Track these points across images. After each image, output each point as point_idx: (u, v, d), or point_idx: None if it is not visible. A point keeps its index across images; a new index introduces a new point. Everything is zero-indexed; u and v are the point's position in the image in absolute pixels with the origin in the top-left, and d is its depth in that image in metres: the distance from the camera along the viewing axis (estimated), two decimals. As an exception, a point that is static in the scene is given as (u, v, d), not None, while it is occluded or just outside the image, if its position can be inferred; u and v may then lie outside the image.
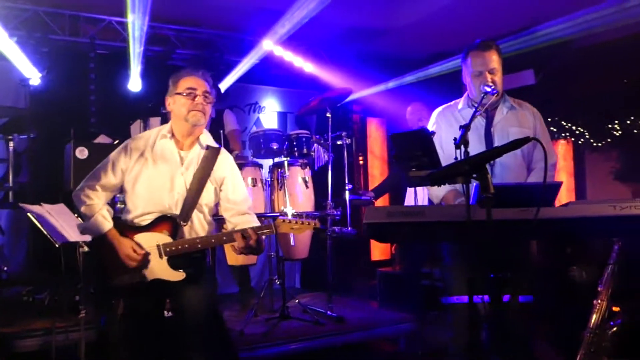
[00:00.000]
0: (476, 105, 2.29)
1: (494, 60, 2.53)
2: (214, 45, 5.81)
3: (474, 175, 1.59)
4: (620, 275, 3.20)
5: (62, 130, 4.09)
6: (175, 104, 2.44)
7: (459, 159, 1.99)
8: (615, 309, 3.24)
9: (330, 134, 4.13)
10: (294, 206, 3.88)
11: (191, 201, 2.37)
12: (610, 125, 6.58)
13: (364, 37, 6.35)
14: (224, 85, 5.37)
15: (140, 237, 2.36)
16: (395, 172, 4.75)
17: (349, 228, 4.30)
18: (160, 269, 2.34)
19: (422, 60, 7.09)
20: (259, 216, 3.86)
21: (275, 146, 3.87)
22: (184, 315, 2.38)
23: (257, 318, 3.99)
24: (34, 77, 4.57)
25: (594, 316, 3.16)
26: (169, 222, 2.36)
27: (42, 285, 3.57)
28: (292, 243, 3.73)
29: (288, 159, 3.91)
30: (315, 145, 4.02)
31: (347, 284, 5.81)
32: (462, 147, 1.98)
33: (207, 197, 2.44)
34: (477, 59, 2.53)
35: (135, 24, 4.60)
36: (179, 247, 2.33)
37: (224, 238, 2.38)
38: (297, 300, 4.15)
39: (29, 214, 2.88)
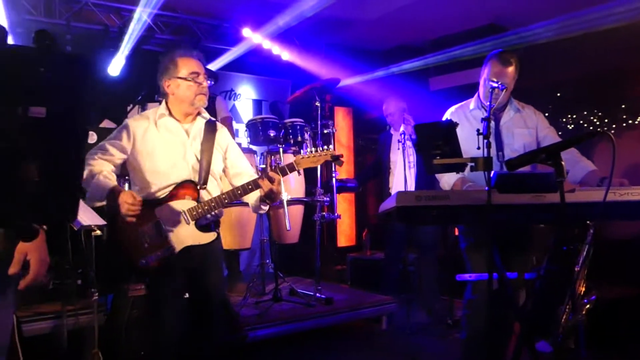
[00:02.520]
0: (486, 106, 2.48)
1: (509, 75, 2.73)
2: (192, 31, 5.77)
3: (549, 162, 1.78)
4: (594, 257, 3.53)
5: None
6: (179, 87, 2.44)
7: (481, 148, 2.17)
8: (582, 289, 3.59)
9: (319, 122, 4.26)
10: (287, 192, 3.98)
11: (205, 167, 2.43)
12: (563, 119, 7.01)
13: (333, 28, 6.48)
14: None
15: (165, 209, 2.35)
16: (375, 163, 4.92)
17: (336, 214, 4.48)
18: (189, 235, 2.36)
19: (389, 52, 7.33)
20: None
21: (272, 133, 3.95)
22: (209, 287, 2.47)
23: (249, 301, 4.09)
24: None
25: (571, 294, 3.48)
26: (190, 188, 2.39)
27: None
28: (288, 227, 3.83)
29: (283, 146, 4.00)
30: (307, 133, 4.13)
31: (313, 269, 6.00)
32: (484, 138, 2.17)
33: (217, 164, 2.52)
34: (495, 69, 2.73)
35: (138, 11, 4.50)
36: (205, 207, 2.36)
37: (250, 187, 2.40)
38: (288, 283, 4.28)
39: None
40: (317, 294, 4.20)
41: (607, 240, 4.49)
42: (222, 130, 2.59)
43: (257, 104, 6.46)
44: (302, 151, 2.56)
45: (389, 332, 4.39)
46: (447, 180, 2.69)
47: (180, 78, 2.42)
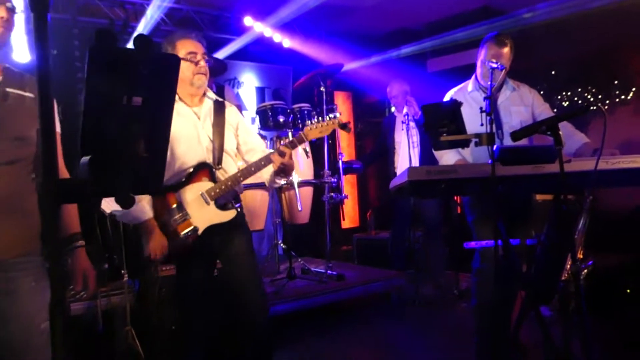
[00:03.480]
0: (484, 87, 2.65)
1: (505, 56, 2.91)
2: (194, 22, 5.90)
3: (548, 133, 1.96)
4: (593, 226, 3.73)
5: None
6: (186, 66, 2.47)
7: (485, 124, 2.36)
8: (581, 256, 3.80)
9: (324, 106, 4.43)
10: (297, 174, 4.16)
11: (219, 147, 2.49)
12: (558, 97, 7.17)
13: (333, 15, 6.61)
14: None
15: (185, 192, 2.44)
16: (380, 145, 5.10)
17: (343, 194, 4.67)
18: (210, 215, 2.45)
19: (387, 37, 7.47)
20: (262, 185, 4.16)
21: (281, 119, 4.12)
22: (237, 262, 2.53)
23: (265, 280, 4.29)
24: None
25: (570, 260, 3.69)
26: (206, 169, 2.47)
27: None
28: (299, 208, 4.02)
29: (292, 130, 4.17)
30: (314, 117, 4.30)
31: (320, 249, 6.21)
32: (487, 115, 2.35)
33: (229, 142, 2.57)
34: (491, 50, 2.90)
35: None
36: (222, 187, 2.44)
37: (262, 162, 2.46)
38: (300, 262, 4.48)
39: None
40: (329, 271, 4.40)
41: (605, 211, 4.71)
42: (230, 109, 2.63)
43: (260, 91, 6.61)
44: (308, 122, 2.62)
45: (398, 305, 4.61)
46: (446, 160, 2.87)
47: (184, 55, 2.45)
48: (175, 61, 0.95)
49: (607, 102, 6.83)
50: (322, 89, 4.42)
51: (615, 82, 6.71)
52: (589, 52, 6.47)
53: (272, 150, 2.51)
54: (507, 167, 2.36)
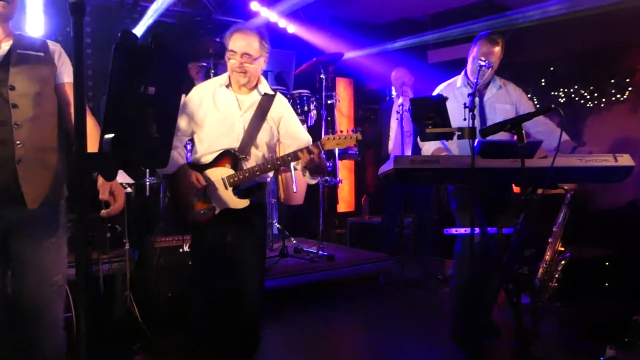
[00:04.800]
0: (472, 83, 2.82)
1: (496, 54, 3.07)
2: (202, 4, 6.02)
3: (513, 131, 2.15)
4: (570, 220, 3.93)
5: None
6: (228, 61, 2.62)
7: (467, 119, 2.54)
8: (561, 248, 4.00)
9: (324, 93, 4.59)
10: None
11: (248, 139, 2.61)
12: (555, 93, 7.31)
13: (338, 2, 6.73)
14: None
15: (209, 173, 2.62)
16: (376, 130, 5.27)
17: (338, 178, 4.86)
18: (227, 199, 2.61)
19: (390, 26, 7.59)
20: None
21: (281, 104, 4.27)
22: (245, 242, 2.68)
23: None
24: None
25: (548, 252, 3.90)
26: (230, 157, 2.62)
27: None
28: (294, 190, 4.20)
29: (291, 116, 4.33)
30: (313, 104, 4.47)
31: (314, 231, 6.40)
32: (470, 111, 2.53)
33: (263, 136, 2.65)
34: (483, 48, 3.06)
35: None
36: (240, 176, 2.59)
37: (289, 157, 2.56)
38: (293, 242, 4.68)
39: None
40: (320, 252, 4.60)
41: (586, 209, 4.90)
42: (278, 103, 2.69)
43: (263, 75, 6.72)
44: (330, 134, 2.67)
45: (385, 286, 4.82)
46: (427, 149, 3.06)
47: (227, 51, 2.60)
48: (183, 59, 1.12)
49: (604, 100, 6.98)
50: (322, 76, 4.57)
51: (612, 80, 6.85)
52: (587, 50, 6.59)
53: (304, 147, 2.58)
54: (487, 160, 2.55)
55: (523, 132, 2.19)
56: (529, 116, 2.35)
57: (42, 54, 1.88)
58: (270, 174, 2.81)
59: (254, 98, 2.67)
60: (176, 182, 2.64)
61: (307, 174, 2.71)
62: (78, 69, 0.93)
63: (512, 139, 3.04)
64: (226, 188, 2.61)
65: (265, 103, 2.66)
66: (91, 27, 5.26)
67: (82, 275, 0.96)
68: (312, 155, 2.52)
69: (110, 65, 1.04)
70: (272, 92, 2.71)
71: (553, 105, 2.16)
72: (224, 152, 2.63)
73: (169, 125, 1.14)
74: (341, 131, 2.66)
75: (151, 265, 3.39)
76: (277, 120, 2.71)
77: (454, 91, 3.19)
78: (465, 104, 2.58)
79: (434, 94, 3.25)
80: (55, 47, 1.95)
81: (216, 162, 2.64)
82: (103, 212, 1.84)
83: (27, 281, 1.83)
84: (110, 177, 1.08)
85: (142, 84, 1.08)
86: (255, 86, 2.69)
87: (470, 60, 3.14)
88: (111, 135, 1.00)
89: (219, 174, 2.62)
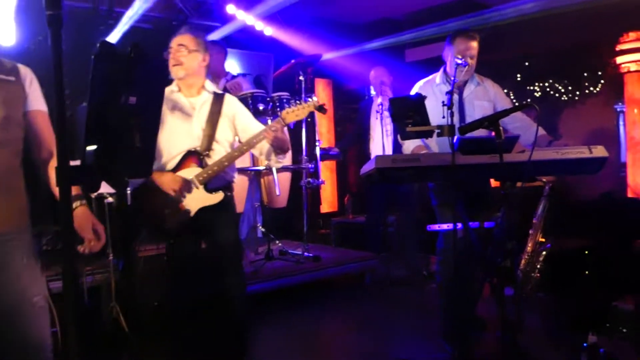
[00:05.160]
0: (451, 80, 2.87)
1: (475, 48, 3.13)
2: (178, 8, 5.99)
3: (490, 128, 2.18)
4: (550, 212, 4.00)
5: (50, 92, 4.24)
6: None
7: (446, 117, 2.57)
8: (542, 239, 4.07)
9: (304, 94, 4.60)
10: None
11: (208, 136, 2.69)
12: (531, 88, 7.43)
13: (315, 2, 6.75)
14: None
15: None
16: (356, 130, 5.30)
17: (320, 179, 4.87)
18: (200, 198, 2.66)
19: (368, 26, 7.64)
20: (244, 170, 4.35)
21: (261, 107, 4.28)
22: (219, 241, 2.76)
23: (245, 260, 4.49)
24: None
25: (529, 243, 3.96)
26: (194, 156, 2.67)
27: (55, 237, 3.84)
28: (277, 193, 4.21)
29: (271, 118, 4.34)
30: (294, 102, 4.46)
31: (298, 232, 6.42)
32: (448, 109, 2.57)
33: (222, 132, 2.76)
34: (461, 45, 3.10)
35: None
36: (209, 171, 2.65)
37: (255, 140, 2.67)
38: (278, 245, 4.69)
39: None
40: (305, 253, 4.61)
41: (564, 200, 4.99)
42: (229, 101, 2.80)
43: (242, 78, 6.72)
44: (286, 106, 2.80)
45: (372, 285, 4.85)
46: (407, 146, 3.10)
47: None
48: (164, 66, 1.13)
49: (578, 93, 7.13)
50: (301, 78, 4.59)
51: (585, 74, 6.99)
52: (561, 46, 6.73)
53: (266, 127, 2.70)
54: (467, 156, 2.59)
55: (501, 128, 2.23)
56: (506, 112, 2.39)
57: (12, 79, 1.83)
58: (236, 174, 2.89)
59: (204, 98, 2.76)
60: (149, 192, 2.64)
61: (273, 157, 2.80)
62: (58, 82, 0.93)
63: (490, 134, 3.09)
64: (197, 187, 2.66)
65: (217, 102, 2.76)
66: (64, 33, 5.17)
67: (70, 289, 0.96)
68: (276, 132, 2.63)
69: (90, 75, 1.04)
70: (220, 92, 2.82)
71: (529, 101, 2.20)
72: (188, 153, 2.68)
73: (151, 135, 1.15)
74: (298, 102, 2.76)
75: (136, 274, 3.37)
76: (231, 117, 2.80)
77: (433, 88, 3.23)
78: (443, 101, 2.61)
79: (413, 90, 3.29)
80: (26, 71, 1.90)
81: (181, 164, 2.68)
82: (80, 248, 1.79)
83: (7, 306, 1.78)
84: (94, 188, 1.07)
85: (123, 94, 1.08)
86: (202, 87, 2.77)
87: (449, 58, 3.18)
88: (94, 147, 1.01)
89: (187, 175, 2.66)
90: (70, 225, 0.98)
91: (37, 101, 1.91)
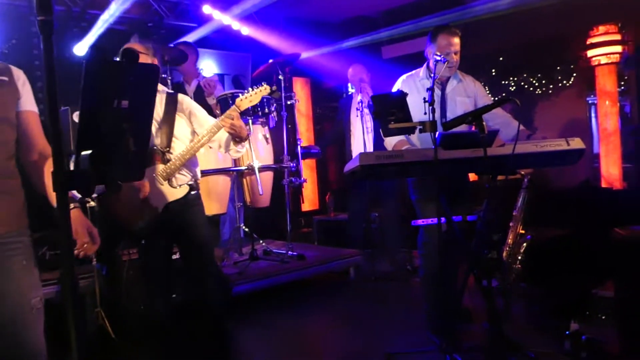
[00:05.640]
0: (432, 76, 2.91)
1: (457, 44, 3.16)
2: (153, 9, 5.93)
3: (474, 123, 2.22)
4: (529, 203, 4.08)
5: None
6: None
7: (427, 113, 2.61)
8: (522, 231, 4.15)
9: (283, 94, 4.61)
10: (258, 159, 4.34)
11: (167, 134, 2.75)
12: (505, 82, 7.55)
13: (291, 1, 6.75)
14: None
15: None
16: (337, 127, 5.32)
17: (302, 178, 4.89)
18: (165, 193, 2.71)
19: (344, 24, 7.67)
20: (226, 170, 4.34)
21: (242, 107, 4.26)
22: (194, 236, 2.82)
23: (227, 262, 4.49)
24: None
25: (510, 235, 4.04)
26: (156, 154, 2.71)
27: (40, 242, 3.77)
28: (260, 192, 4.21)
29: (252, 118, 4.34)
30: (273, 105, 4.47)
31: (281, 231, 6.43)
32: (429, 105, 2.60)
33: (180, 128, 2.82)
34: (443, 41, 3.13)
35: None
36: (172, 166, 2.70)
37: (213, 130, 2.72)
38: (262, 244, 4.69)
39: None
40: (290, 252, 4.62)
41: (544, 190, 5.10)
42: (183, 100, 2.88)
43: (220, 78, 6.68)
44: (240, 94, 2.89)
45: (356, 281, 4.89)
46: (389, 141, 3.14)
47: None
48: (155, 70, 1.13)
49: (551, 86, 7.27)
50: (280, 77, 4.59)
51: (558, 67, 7.14)
52: (534, 40, 6.85)
53: (222, 116, 2.74)
54: (449, 151, 2.63)
55: (484, 123, 2.27)
56: (488, 108, 2.44)
57: (5, 79, 1.82)
58: (199, 173, 2.93)
59: (159, 97, 2.80)
60: (114, 195, 2.64)
61: (232, 146, 2.83)
62: (50, 87, 0.93)
63: (470, 129, 3.14)
64: (162, 184, 2.71)
65: (171, 101, 2.82)
66: (38, 37, 5.08)
67: (70, 295, 0.96)
68: (232, 120, 2.68)
69: (82, 81, 1.04)
70: (172, 92, 2.89)
71: (505, 95, 2.25)
72: (150, 150, 2.70)
73: (144, 138, 1.15)
74: (251, 88, 2.85)
75: (120, 279, 3.34)
76: (187, 114, 2.86)
77: (416, 83, 3.27)
78: (424, 98, 2.65)
79: (396, 84, 3.33)
80: (19, 73, 1.89)
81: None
82: (77, 251, 1.79)
83: (6, 308, 1.78)
84: (89, 193, 1.07)
85: (115, 98, 1.08)
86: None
87: (431, 54, 3.22)
88: (88, 152, 1.00)
89: (151, 173, 2.70)
90: (69, 230, 0.97)
91: (29, 102, 1.90)
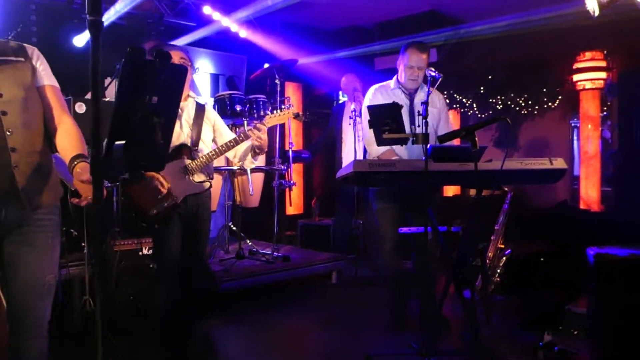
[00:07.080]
0: (403, 86, 3.13)
1: (424, 60, 3.41)
2: (154, 6, 5.99)
3: (467, 137, 2.36)
4: (510, 218, 4.24)
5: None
6: None
7: (421, 126, 2.75)
8: (501, 245, 4.30)
9: (278, 97, 4.71)
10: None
11: (196, 136, 2.96)
12: (493, 100, 7.75)
13: (289, 7, 6.86)
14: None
15: (168, 167, 2.77)
16: (328, 133, 5.44)
17: (291, 181, 4.98)
18: (188, 186, 2.87)
19: (339, 33, 7.80)
20: (220, 169, 4.42)
21: (238, 108, 4.37)
22: (199, 234, 3.00)
23: (214, 259, 4.56)
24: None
25: (491, 249, 4.19)
26: (186, 149, 2.89)
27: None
28: (251, 192, 4.30)
29: (247, 119, 4.43)
30: (269, 108, 4.57)
31: (267, 232, 6.50)
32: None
33: (206, 133, 3.04)
34: (413, 56, 3.38)
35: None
36: (198, 162, 2.88)
37: (240, 137, 2.92)
38: (248, 244, 4.77)
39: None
40: (275, 253, 4.71)
41: (525, 207, 5.27)
42: (209, 110, 3.12)
43: (215, 78, 6.77)
44: (268, 112, 3.07)
45: (339, 285, 4.99)
46: (375, 150, 3.34)
47: None
48: (184, 70, 1.23)
49: (537, 107, 7.49)
50: (277, 81, 4.70)
51: (544, 90, 7.36)
52: (522, 62, 7.07)
53: (251, 126, 2.93)
54: (438, 163, 2.76)
55: (476, 139, 2.40)
56: (481, 125, 2.58)
57: (22, 59, 1.88)
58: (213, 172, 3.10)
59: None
60: (137, 184, 2.77)
61: (249, 158, 3.07)
62: (94, 83, 1.02)
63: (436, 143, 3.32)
64: (186, 176, 2.87)
65: (200, 109, 3.04)
66: (37, 26, 5.13)
67: (101, 274, 1.05)
68: (259, 132, 2.88)
69: (119, 78, 1.13)
70: (200, 102, 3.09)
71: (502, 116, 2.39)
72: (180, 145, 2.88)
73: (169, 132, 1.24)
74: (279, 109, 3.02)
75: (111, 268, 3.39)
76: (212, 122, 3.09)
77: (388, 92, 3.51)
78: (418, 111, 2.78)
79: (369, 92, 3.57)
80: (32, 50, 1.95)
81: (174, 155, 2.87)
82: (74, 200, 1.80)
83: (21, 280, 1.85)
84: (115, 180, 1.16)
85: (147, 94, 1.17)
86: (188, 95, 3.05)
87: (401, 68, 3.42)
88: (122, 142, 1.10)
89: (178, 165, 2.86)
90: (100, 209, 1.06)
91: (46, 76, 1.95)
